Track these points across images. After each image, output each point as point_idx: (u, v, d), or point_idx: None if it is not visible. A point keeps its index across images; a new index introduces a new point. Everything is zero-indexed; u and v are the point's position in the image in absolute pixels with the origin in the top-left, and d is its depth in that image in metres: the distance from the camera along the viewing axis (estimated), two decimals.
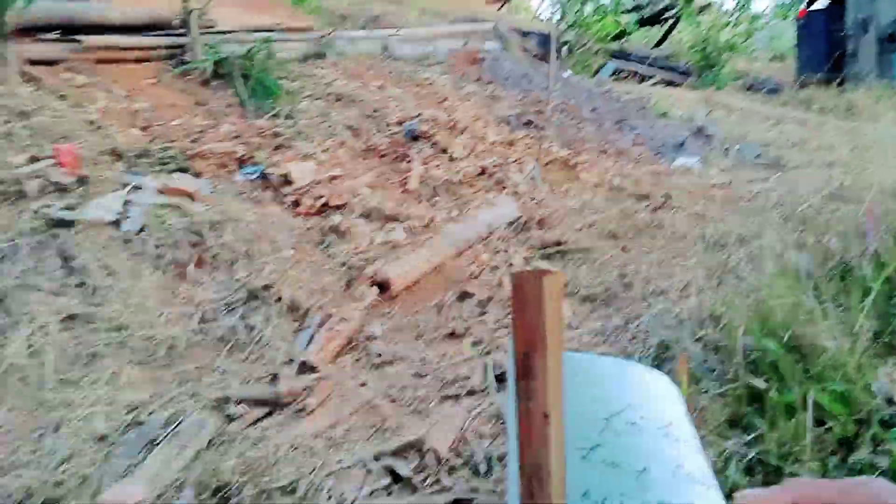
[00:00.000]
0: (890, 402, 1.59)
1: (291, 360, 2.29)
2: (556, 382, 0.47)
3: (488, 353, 2.30)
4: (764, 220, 3.17)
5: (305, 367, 2.23)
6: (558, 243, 3.37)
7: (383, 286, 2.78)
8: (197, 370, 2.31)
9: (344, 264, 2.95)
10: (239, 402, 2.09)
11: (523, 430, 0.47)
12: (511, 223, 3.64)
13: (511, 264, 3.24)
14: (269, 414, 2.07)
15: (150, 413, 2.08)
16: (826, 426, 1.55)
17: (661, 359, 2.05)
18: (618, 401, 0.46)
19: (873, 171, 3.72)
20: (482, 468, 1.76)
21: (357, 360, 2.32)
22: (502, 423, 1.90)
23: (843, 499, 0.40)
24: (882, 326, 1.82)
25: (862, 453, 1.44)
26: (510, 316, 0.48)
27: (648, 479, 0.44)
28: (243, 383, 2.23)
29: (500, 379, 2.14)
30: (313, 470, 1.77)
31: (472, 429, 1.93)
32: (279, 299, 2.59)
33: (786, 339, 1.72)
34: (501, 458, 1.75)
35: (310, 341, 2.36)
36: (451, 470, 1.79)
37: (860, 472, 1.32)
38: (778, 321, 1.79)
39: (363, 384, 2.18)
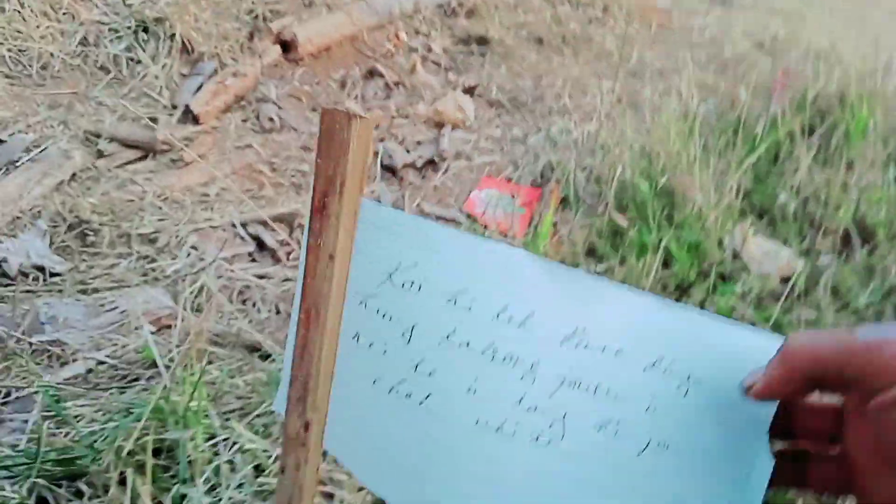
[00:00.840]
0: (735, 257, 1.70)
1: (175, 107, 2.18)
2: (349, 226, 0.46)
3: (382, 140, 2.27)
4: (689, 57, 3.13)
5: (188, 117, 2.13)
6: (483, 38, 3.23)
7: (288, 46, 2.61)
8: (70, 96, 2.16)
9: (251, 12, 2.73)
10: (111, 139, 2.00)
11: (309, 266, 0.46)
12: (440, 5, 3.44)
13: (430, 49, 3.10)
14: (142, 158, 1.99)
15: (14, 133, 1.96)
16: (671, 270, 1.65)
17: (545, 178, 2.08)
18: (405, 257, 0.45)
19: (812, 31, 3.68)
20: None
21: (245, 120, 2.23)
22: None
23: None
24: (754, 186, 1.90)
25: (694, 299, 1.56)
26: (315, 151, 0.45)
27: (415, 335, 0.45)
28: (119, 120, 2.12)
29: (387, 169, 2.13)
30: (178, 223, 1.75)
31: None
32: (172, 36, 2.40)
33: (661, 183, 1.77)
34: None
35: (198, 90, 2.23)
36: None
37: None
38: (659, 164, 1.82)
39: (247, 146, 2.11)
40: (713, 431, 0.44)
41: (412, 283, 0.45)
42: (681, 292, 1.57)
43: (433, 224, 0.45)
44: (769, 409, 0.43)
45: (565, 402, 0.44)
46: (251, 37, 2.62)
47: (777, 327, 1.53)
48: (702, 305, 1.54)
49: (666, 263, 1.67)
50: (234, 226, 1.79)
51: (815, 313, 1.61)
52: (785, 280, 1.68)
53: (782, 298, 1.61)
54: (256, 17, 2.71)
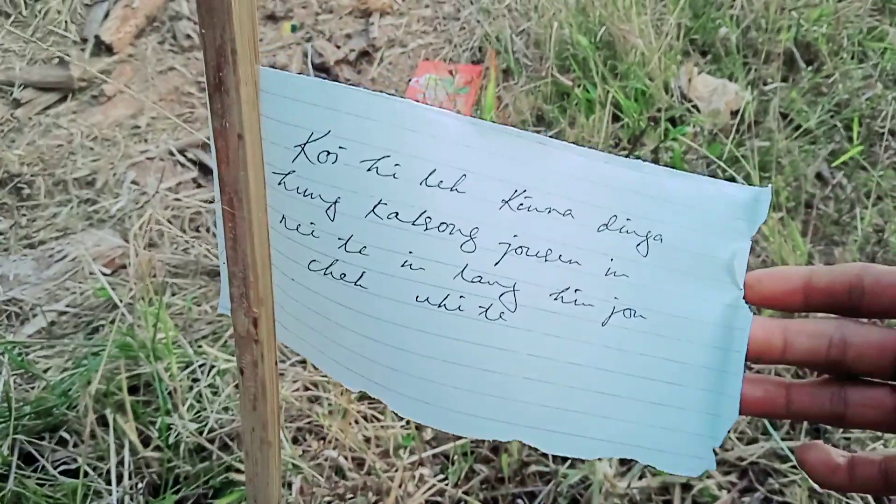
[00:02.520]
0: (683, 99, 1.67)
1: (85, 40, 2.04)
2: (251, 99, 0.42)
3: (309, 39, 2.16)
4: None
5: (101, 48, 2.01)
6: None
7: None
8: None
9: None
10: (25, 85, 1.89)
11: (220, 151, 0.42)
12: None
13: None
14: (62, 100, 1.89)
15: None
16: (622, 123, 1.62)
17: (484, 52, 2.01)
18: (316, 126, 0.41)
19: None
20: None
21: (161, 42, 2.11)
22: None
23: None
24: (694, 23, 1.85)
25: (647, 147, 1.54)
26: (199, 23, 0.41)
27: (339, 211, 0.42)
28: (30, 64, 1.99)
29: (319, 68, 2.04)
30: (113, 161, 1.68)
31: None
32: None
33: (600, 34, 1.72)
34: None
35: (105, 17, 2.09)
36: None
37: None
38: (595, 15, 1.76)
39: (169, 69, 2.01)
40: (682, 291, 0.41)
41: (327, 153, 0.41)
42: (634, 143, 1.55)
43: (343, 87, 0.41)
44: (742, 257, 0.40)
45: (514, 271, 0.41)
46: None
47: (733, 161, 1.53)
48: (655, 152, 1.53)
49: (616, 117, 1.65)
50: (172, 154, 1.72)
51: (767, 142, 1.60)
52: (735, 113, 1.66)
53: (733, 131, 1.61)
54: None
